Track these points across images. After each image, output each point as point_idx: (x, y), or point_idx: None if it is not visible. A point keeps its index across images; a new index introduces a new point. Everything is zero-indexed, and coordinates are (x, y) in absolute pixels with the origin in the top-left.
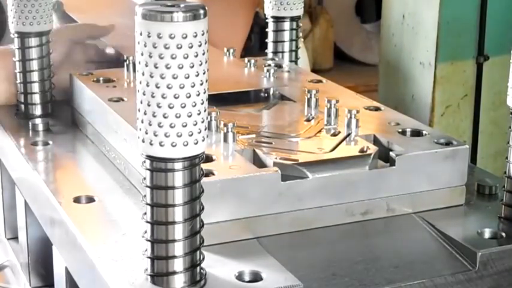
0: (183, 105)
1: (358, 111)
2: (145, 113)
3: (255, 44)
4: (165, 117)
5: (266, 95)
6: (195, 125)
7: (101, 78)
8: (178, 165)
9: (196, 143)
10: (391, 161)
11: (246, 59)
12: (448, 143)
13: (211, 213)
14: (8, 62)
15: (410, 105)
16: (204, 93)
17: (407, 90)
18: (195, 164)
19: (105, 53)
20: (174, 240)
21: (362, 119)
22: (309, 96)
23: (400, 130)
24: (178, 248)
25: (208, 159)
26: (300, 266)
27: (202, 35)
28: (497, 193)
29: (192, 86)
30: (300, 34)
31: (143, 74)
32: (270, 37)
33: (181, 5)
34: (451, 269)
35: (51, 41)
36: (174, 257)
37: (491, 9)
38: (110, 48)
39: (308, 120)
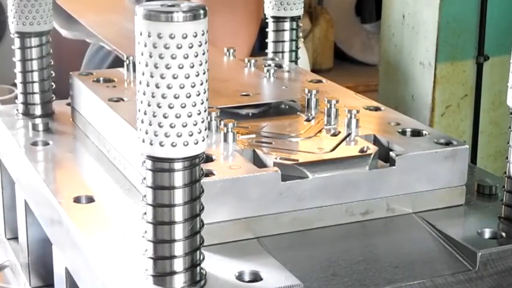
0: (183, 105)
1: (358, 111)
2: (145, 113)
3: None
4: (165, 117)
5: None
6: (195, 125)
7: (101, 78)
8: (178, 165)
9: (196, 143)
10: (391, 161)
11: (246, 59)
12: (448, 143)
13: (211, 213)
14: None
15: (410, 105)
16: (204, 93)
17: (407, 90)
18: (195, 164)
19: None
20: (174, 240)
21: (362, 119)
22: (309, 96)
23: (400, 130)
24: (179, 248)
25: (208, 159)
26: (300, 266)
27: (203, 35)
28: (497, 193)
29: (192, 86)
30: (300, 34)
31: (143, 74)
32: (270, 37)
33: (181, 5)
34: (451, 269)
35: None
36: (174, 257)
37: (491, 9)
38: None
39: (308, 120)
